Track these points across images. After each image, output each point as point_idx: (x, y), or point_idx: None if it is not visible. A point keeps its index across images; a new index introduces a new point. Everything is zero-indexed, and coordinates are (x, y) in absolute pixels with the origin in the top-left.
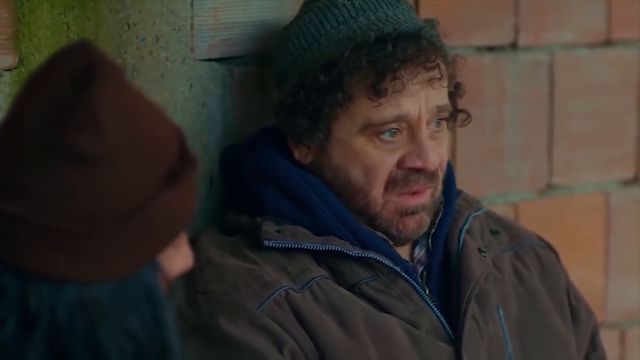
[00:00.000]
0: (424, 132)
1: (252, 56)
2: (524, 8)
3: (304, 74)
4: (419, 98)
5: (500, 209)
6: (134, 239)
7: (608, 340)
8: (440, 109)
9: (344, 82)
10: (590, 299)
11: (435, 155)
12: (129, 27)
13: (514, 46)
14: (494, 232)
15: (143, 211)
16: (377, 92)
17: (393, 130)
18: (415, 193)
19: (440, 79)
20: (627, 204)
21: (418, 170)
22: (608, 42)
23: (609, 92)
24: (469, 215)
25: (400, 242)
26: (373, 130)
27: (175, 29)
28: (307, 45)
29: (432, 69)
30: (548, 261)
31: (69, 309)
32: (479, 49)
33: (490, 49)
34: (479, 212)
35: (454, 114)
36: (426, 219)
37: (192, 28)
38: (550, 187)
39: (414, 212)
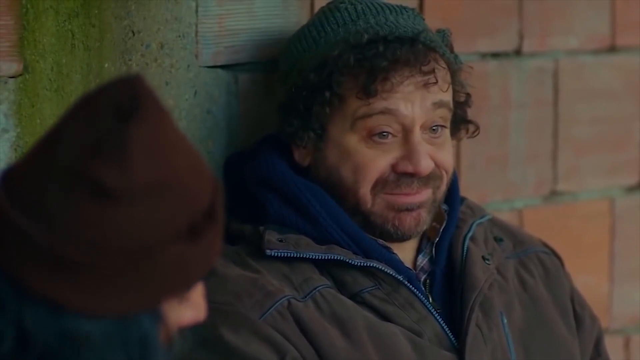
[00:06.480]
0: (417, 135)
1: (257, 63)
2: (528, 14)
3: (298, 75)
4: (412, 98)
5: (505, 215)
6: (138, 282)
7: (613, 346)
8: (437, 105)
9: (332, 80)
10: (594, 305)
11: (428, 160)
12: (134, 34)
13: (518, 52)
14: (498, 240)
15: (152, 257)
16: (366, 92)
17: (385, 133)
18: (408, 194)
19: (435, 83)
20: (632, 210)
21: (411, 175)
22: (612, 48)
23: (613, 98)
24: (473, 222)
25: (398, 239)
26: (362, 125)
27: (179, 36)
28: (307, 47)
29: (428, 73)
30: (552, 268)
31: (60, 337)
32: (484, 56)
33: (495, 55)
34: (483, 220)
35: (460, 125)
36: (425, 217)
37: (196, 35)
38: (554, 193)
39: (409, 209)
